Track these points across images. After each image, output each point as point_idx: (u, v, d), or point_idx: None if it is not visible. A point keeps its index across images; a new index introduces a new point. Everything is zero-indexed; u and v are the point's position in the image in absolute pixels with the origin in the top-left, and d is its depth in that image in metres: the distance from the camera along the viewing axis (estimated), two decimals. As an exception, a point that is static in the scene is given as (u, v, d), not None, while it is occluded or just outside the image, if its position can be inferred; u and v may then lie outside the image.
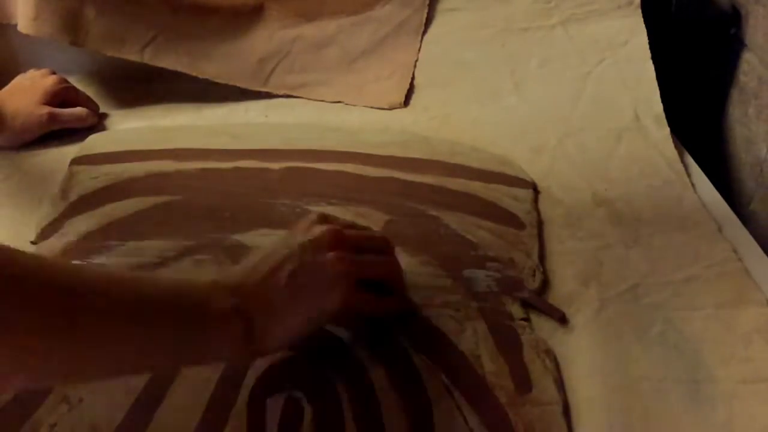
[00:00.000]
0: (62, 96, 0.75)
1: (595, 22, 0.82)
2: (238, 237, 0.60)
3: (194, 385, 0.48)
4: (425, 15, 0.84)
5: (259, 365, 0.49)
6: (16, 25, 0.76)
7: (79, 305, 0.37)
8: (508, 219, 0.63)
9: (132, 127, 0.77)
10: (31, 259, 0.39)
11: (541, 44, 0.82)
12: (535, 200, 0.66)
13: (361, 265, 0.48)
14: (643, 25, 0.80)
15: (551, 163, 0.71)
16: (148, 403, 0.47)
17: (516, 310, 0.54)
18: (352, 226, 0.52)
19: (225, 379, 0.48)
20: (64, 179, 0.67)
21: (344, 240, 0.48)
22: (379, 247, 0.51)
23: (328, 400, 0.47)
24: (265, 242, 0.59)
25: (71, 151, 0.71)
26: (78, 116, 0.75)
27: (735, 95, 0.80)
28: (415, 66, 0.82)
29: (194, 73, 0.79)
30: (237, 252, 0.58)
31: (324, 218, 0.50)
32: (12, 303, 0.34)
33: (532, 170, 0.69)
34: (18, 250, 0.36)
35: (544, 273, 0.58)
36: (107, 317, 0.39)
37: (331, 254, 0.46)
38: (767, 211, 0.73)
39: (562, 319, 0.54)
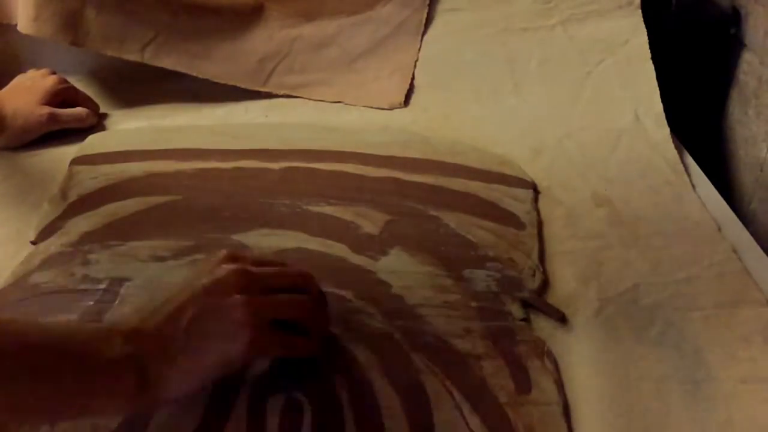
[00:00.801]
0: (62, 96, 0.75)
1: (595, 22, 0.82)
2: (238, 237, 0.60)
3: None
4: (425, 15, 0.84)
5: (259, 365, 0.49)
6: (16, 25, 0.77)
7: None
8: (508, 219, 0.63)
9: (132, 127, 0.77)
10: None
11: (541, 44, 0.82)
12: (535, 200, 0.66)
13: (271, 306, 0.45)
14: (643, 25, 0.80)
15: (551, 163, 0.71)
16: (148, 403, 0.47)
17: (516, 310, 0.54)
18: (267, 262, 0.48)
19: (225, 379, 0.48)
20: (64, 179, 0.67)
21: (252, 280, 0.45)
22: (295, 283, 0.48)
23: (328, 401, 0.47)
24: (264, 242, 0.59)
25: (71, 151, 0.71)
26: (78, 116, 0.75)
27: (735, 95, 0.81)
28: (415, 66, 0.82)
29: (194, 73, 0.79)
30: (237, 252, 0.58)
31: (232, 257, 0.46)
32: None
33: (532, 170, 0.69)
34: None
35: (544, 273, 0.58)
36: None
37: (237, 297, 0.43)
38: (767, 211, 0.73)
39: (562, 319, 0.54)
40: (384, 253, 0.59)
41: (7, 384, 0.37)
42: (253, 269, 0.46)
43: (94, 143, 0.72)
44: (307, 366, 0.48)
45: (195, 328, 0.42)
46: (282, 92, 0.81)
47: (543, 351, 0.51)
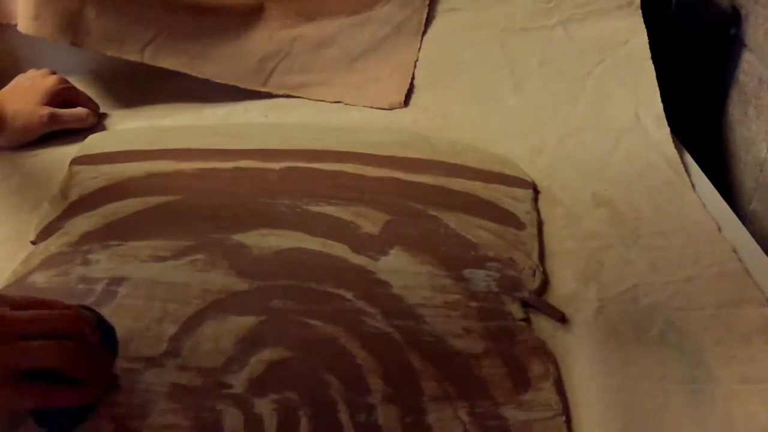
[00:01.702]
0: (63, 96, 0.75)
1: (595, 22, 0.82)
2: (238, 237, 0.60)
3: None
4: (425, 15, 0.84)
5: (253, 368, 0.48)
6: (16, 25, 0.77)
7: None
8: (508, 219, 0.63)
9: (132, 127, 0.77)
10: None
11: (541, 44, 0.82)
12: (535, 200, 0.66)
13: (15, 355, 0.39)
14: (643, 25, 0.80)
15: (551, 163, 0.71)
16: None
17: (516, 310, 0.54)
18: (31, 303, 0.42)
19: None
20: (64, 179, 0.67)
21: (2, 328, 0.39)
22: (56, 329, 0.41)
23: (323, 401, 0.47)
24: (264, 242, 0.59)
25: (71, 151, 0.71)
26: (78, 116, 0.75)
27: (735, 95, 0.80)
28: (415, 66, 0.82)
29: (194, 73, 0.79)
30: (237, 252, 0.58)
31: None
32: None
33: (532, 170, 0.69)
34: None
35: (544, 273, 0.58)
36: None
37: None
38: (767, 211, 0.73)
39: (562, 320, 0.54)
40: (384, 253, 0.59)
41: None
42: (8, 315, 0.40)
43: (94, 143, 0.72)
44: (83, 413, 0.44)
45: None
46: (282, 92, 0.81)
47: (543, 351, 0.51)
